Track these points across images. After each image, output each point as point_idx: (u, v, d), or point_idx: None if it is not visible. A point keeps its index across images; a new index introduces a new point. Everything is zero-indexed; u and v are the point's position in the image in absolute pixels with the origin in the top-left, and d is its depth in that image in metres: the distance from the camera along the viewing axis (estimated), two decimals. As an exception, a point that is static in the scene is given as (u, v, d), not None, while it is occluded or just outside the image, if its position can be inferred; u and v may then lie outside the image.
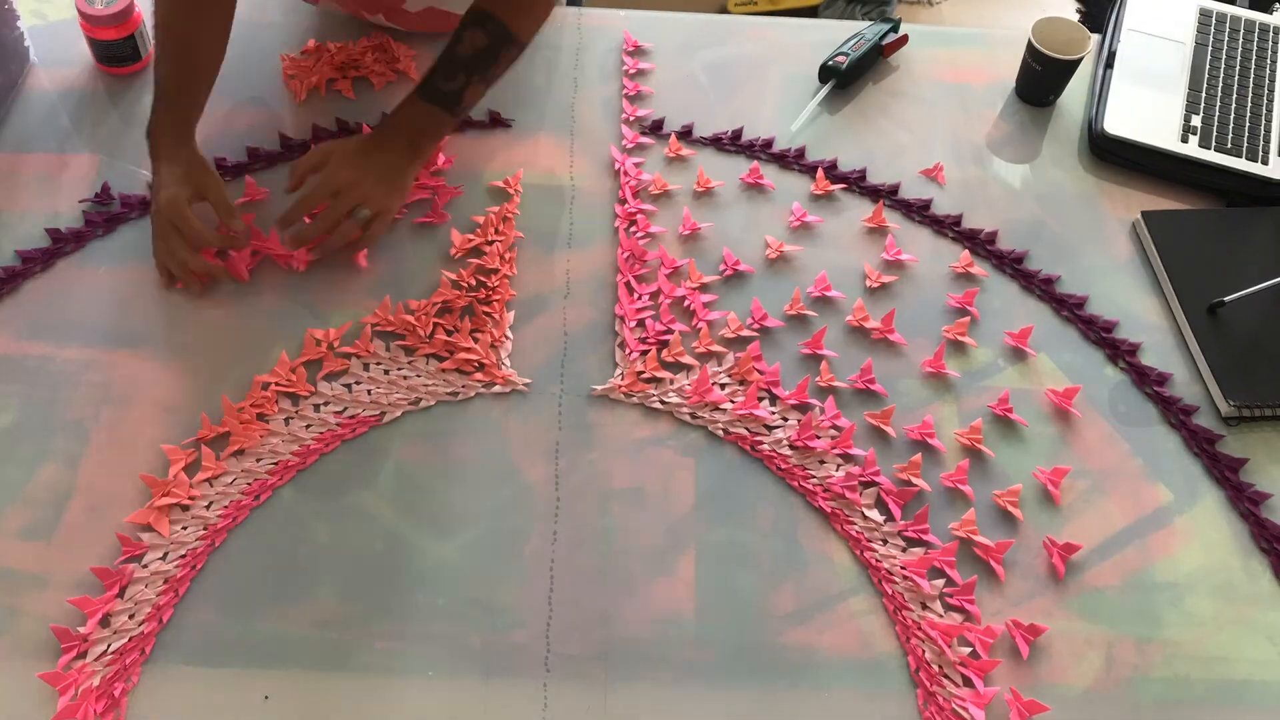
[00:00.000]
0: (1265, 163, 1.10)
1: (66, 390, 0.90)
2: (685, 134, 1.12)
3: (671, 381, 0.94)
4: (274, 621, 0.80)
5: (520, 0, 0.96)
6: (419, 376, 0.93)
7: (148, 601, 0.80)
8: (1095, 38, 1.21)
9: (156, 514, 0.83)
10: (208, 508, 0.84)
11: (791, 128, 1.10)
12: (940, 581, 0.84)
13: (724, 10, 2.32)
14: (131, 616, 0.79)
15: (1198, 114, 1.14)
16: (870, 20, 1.27)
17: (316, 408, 0.90)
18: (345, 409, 0.91)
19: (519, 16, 0.96)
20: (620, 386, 0.93)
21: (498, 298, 0.97)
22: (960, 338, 0.97)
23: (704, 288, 1.00)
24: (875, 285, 1.01)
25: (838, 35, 1.23)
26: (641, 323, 0.97)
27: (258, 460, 0.87)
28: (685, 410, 0.92)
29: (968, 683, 0.79)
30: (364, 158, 0.96)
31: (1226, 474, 0.91)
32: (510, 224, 1.03)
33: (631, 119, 1.12)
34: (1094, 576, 0.86)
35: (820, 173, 1.09)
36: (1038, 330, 0.99)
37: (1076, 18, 1.46)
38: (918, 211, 1.07)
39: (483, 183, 1.06)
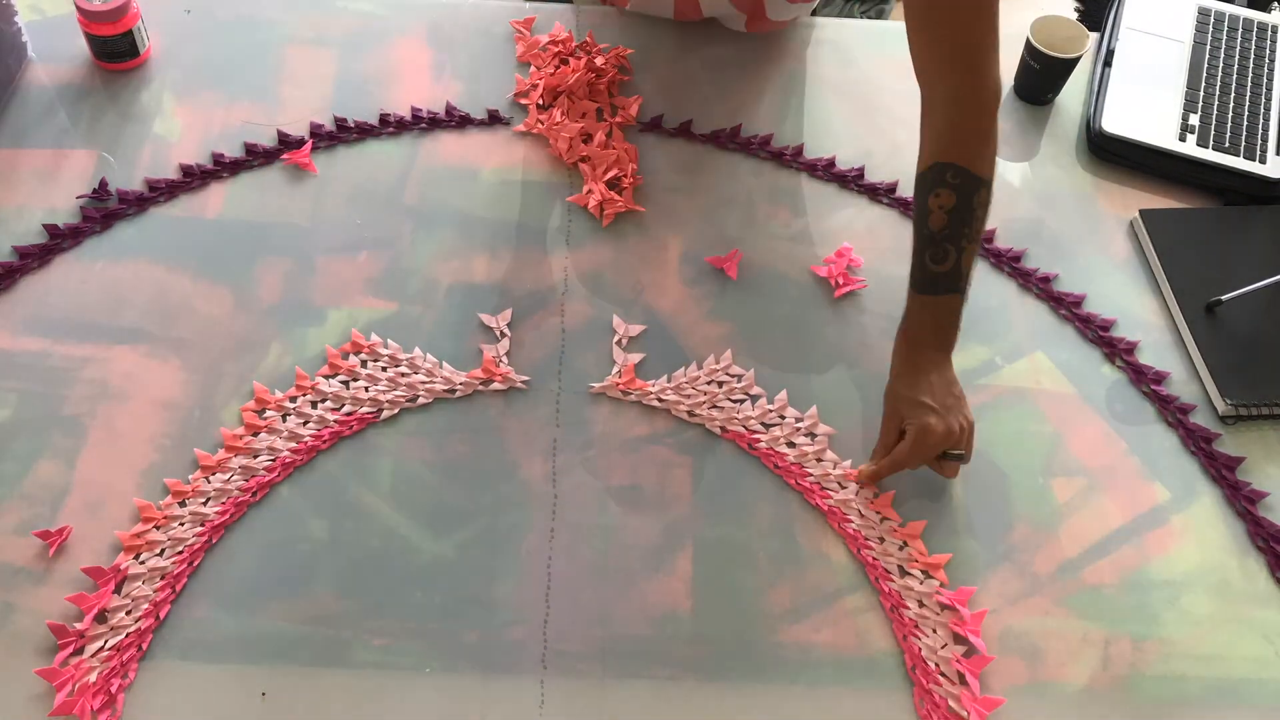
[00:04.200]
0: (1263, 161, 1.10)
1: (64, 386, 0.90)
2: (683, 131, 1.12)
3: (669, 378, 0.94)
4: (271, 618, 0.80)
5: (969, 134, 0.86)
6: (417, 374, 0.93)
7: (145, 598, 0.80)
8: (1093, 36, 1.21)
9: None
10: (205, 504, 0.84)
11: None
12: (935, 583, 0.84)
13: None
14: (129, 613, 0.79)
15: (1196, 113, 1.14)
16: (868, 18, 1.27)
17: (314, 404, 0.90)
18: (343, 406, 0.90)
19: (974, 152, 0.86)
20: (618, 384, 0.93)
21: None
22: None
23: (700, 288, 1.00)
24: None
25: (836, 33, 1.23)
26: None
27: (255, 457, 0.87)
28: (683, 408, 0.92)
29: (963, 680, 0.79)
30: (929, 395, 0.87)
31: (1223, 472, 0.91)
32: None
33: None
34: (1091, 575, 0.86)
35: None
36: (1036, 328, 1.00)
37: (1075, 16, 1.46)
38: (916, 209, 1.07)
39: (482, 180, 1.06)
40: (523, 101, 1.12)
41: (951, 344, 0.90)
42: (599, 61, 1.14)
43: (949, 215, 0.86)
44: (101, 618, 0.79)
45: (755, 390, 0.94)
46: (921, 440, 0.86)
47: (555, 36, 1.16)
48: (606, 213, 1.04)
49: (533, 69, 1.15)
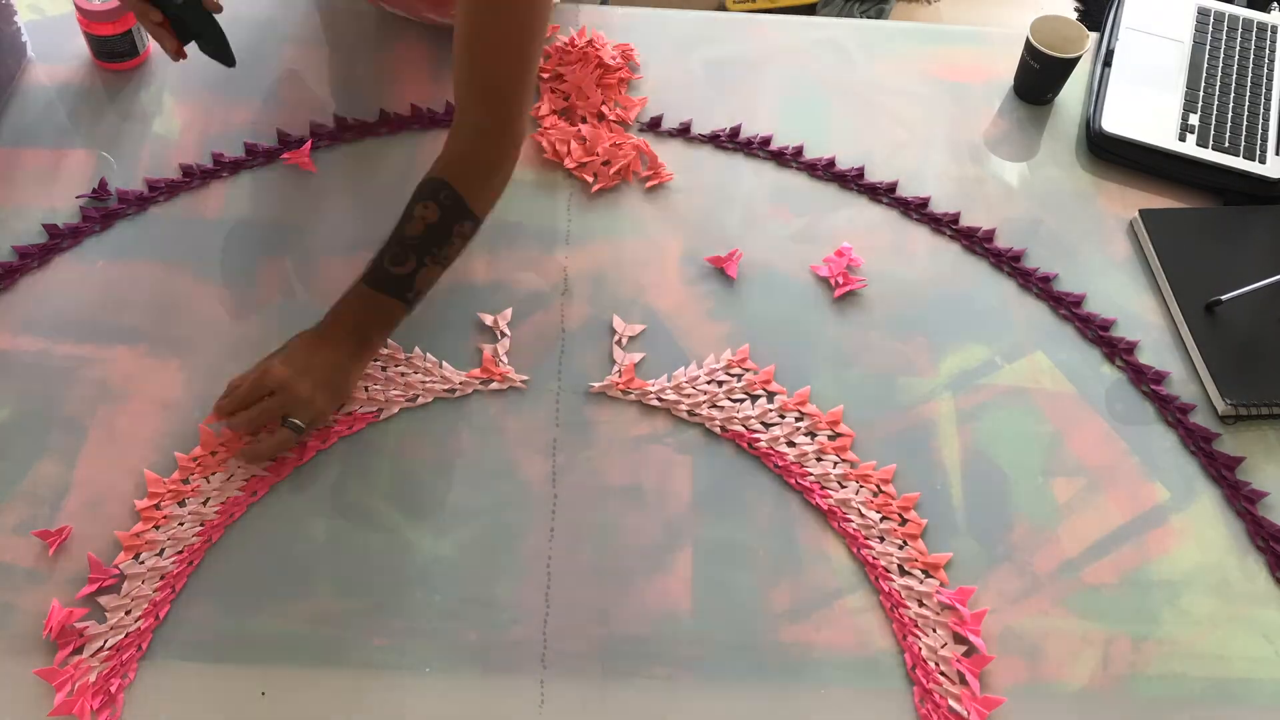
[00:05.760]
0: (1262, 161, 1.10)
1: (63, 386, 0.90)
2: (683, 131, 1.12)
3: (669, 378, 0.94)
4: (271, 618, 0.80)
5: (477, 166, 0.89)
6: (416, 374, 0.93)
7: (145, 598, 0.80)
8: (1093, 36, 1.21)
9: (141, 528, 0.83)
10: (205, 504, 0.84)
11: None
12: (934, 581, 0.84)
13: (722, 8, 2.32)
14: (128, 613, 0.79)
15: (1195, 113, 1.14)
16: (868, 18, 1.27)
17: (314, 404, 0.90)
18: (342, 406, 0.90)
19: (475, 185, 0.89)
20: (618, 384, 0.93)
21: None
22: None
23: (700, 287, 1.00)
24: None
25: (835, 32, 1.23)
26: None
27: (255, 457, 0.87)
28: (683, 408, 0.92)
29: (963, 680, 0.80)
30: (306, 356, 0.87)
31: (1223, 472, 0.91)
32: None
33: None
34: (1091, 574, 0.86)
35: None
36: (1035, 328, 1.00)
37: (1075, 16, 1.46)
38: (915, 209, 1.07)
39: (481, 179, 1.06)
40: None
41: (372, 343, 0.89)
42: (606, 57, 1.14)
43: (426, 227, 0.87)
44: (101, 617, 0.79)
45: (774, 386, 0.94)
46: (260, 379, 0.85)
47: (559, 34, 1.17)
48: (598, 184, 1.05)
49: (554, 60, 1.15)
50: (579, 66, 1.13)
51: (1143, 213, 1.07)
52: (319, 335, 0.88)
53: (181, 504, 0.84)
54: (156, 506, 0.84)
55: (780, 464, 0.90)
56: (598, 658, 0.80)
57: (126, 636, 0.78)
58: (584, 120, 1.11)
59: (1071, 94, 1.18)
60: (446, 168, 0.89)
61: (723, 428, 0.92)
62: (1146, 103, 1.15)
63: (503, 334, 0.96)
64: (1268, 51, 1.20)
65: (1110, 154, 1.13)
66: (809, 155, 1.11)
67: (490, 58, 0.88)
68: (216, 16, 0.98)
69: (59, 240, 0.99)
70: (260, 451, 0.86)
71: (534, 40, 0.88)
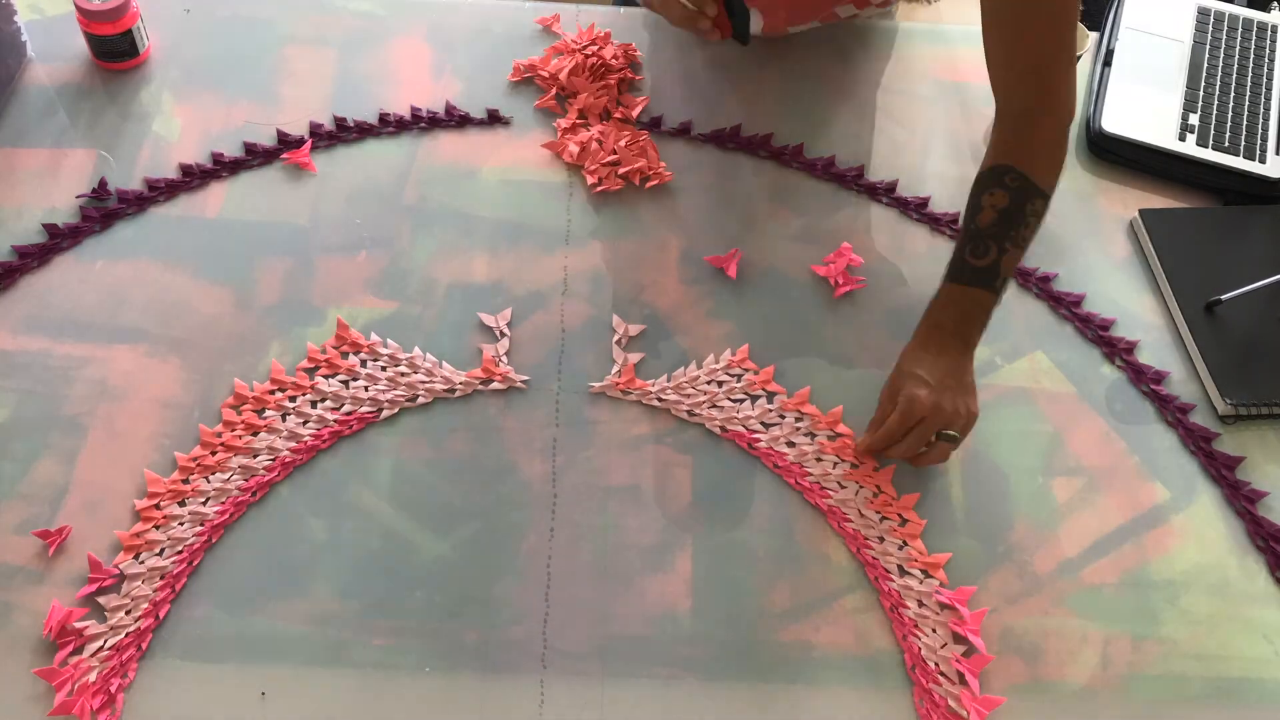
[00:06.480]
0: (1263, 161, 1.10)
1: (63, 386, 0.90)
2: (683, 131, 1.12)
3: (669, 378, 0.94)
4: (271, 618, 0.80)
5: (1035, 145, 0.89)
6: (416, 374, 0.93)
7: (145, 598, 0.80)
8: (1093, 36, 1.21)
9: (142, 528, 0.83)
10: (205, 504, 0.84)
11: None
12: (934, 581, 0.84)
13: (722, 7, 2.32)
14: (128, 613, 0.79)
15: (1195, 112, 1.14)
16: (870, 19, 1.27)
17: (314, 404, 0.90)
18: (343, 406, 0.90)
19: (1039, 163, 0.89)
20: (618, 384, 0.93)
21: None
22: None
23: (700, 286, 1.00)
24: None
25: (836, 33, 1.23)
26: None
27: (255, 457, 0.87)
28: (683, 408, 0.92)
29: (962, 680, 0.80)
30: (928, 372, 0.87)
31: (1223, 472, 0.91)
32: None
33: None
34: (1091, 574, 0.86)
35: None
36: (1035, 328, 1.00)
37: (1075, 16, 1.46)
38: (915, 209, 1.07)
39: (482, 179, 1.06)
40: (550, 104, 1.12)
41: (972, 339, 0.90)
42: (609, 56, 1.14)
43: (999, 214, 0.88)
44: (101, 617, 0.79)
45: (773, 387, 0.94)
46: (908, 410, 0.86)
47: (568, 34, 1.17)
48: (602, 185, 1.05)
49: (547, 57, 1.15)
50: (579, 66, 1.13)
51: (1143, 212, 1.07)
52: (923, 348, 0.89)
53: (181, 504, 0.84)
54: (156, 506, 0.84)
55: (780, 464, 0.90)
56: (598, 657, 0.80)
57: (126, 636, 0.78)
58: (583, 119, 1.11)
59: (1071, 94, 1.18)
60: (1006, 154, 0.89)
61: (723, 428, 0.92)
62: (1146, 103, 1.15)
63: (503, 334, 0.96)
64: (1268, 51, 1.20)
65: (1110, 154, 1.13)
66: (809, 155, 1.11)
67: (1030, 38, 0.88)
68: None
69: (59, 240, 0.99)
70: (926, 462, 0.88)
71: (1071, 13, 0.88)
